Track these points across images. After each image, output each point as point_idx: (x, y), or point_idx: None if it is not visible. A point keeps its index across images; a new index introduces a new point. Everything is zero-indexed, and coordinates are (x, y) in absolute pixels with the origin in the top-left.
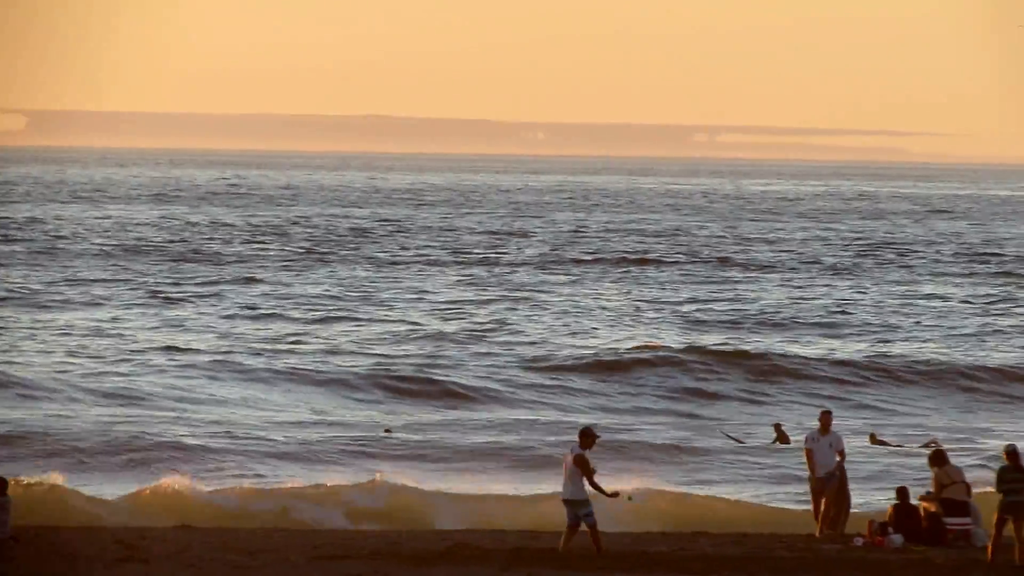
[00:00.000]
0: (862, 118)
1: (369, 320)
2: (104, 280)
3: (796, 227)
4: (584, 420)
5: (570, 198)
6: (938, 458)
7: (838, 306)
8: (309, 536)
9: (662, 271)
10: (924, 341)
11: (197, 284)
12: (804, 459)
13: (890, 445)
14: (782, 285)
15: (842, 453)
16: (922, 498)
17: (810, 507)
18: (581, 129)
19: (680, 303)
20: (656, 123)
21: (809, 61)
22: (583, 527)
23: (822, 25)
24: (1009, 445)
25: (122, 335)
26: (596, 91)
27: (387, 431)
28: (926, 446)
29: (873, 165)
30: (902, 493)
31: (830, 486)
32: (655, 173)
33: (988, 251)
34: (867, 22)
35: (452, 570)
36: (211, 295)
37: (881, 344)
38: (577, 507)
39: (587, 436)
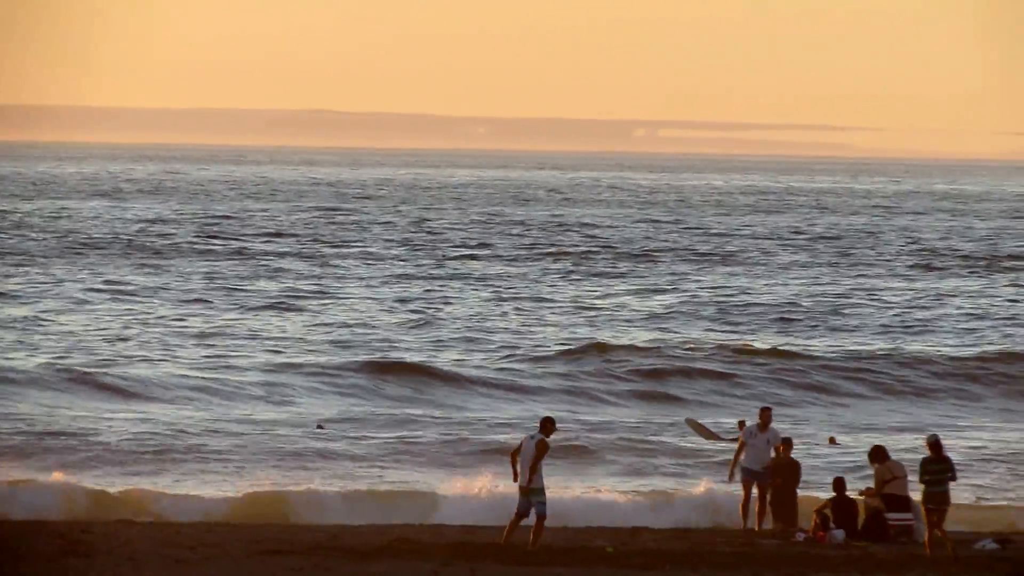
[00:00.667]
0: (803, 113)
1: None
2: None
3: (740, 222)
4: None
5: (517, 193)
6: (879, 454)
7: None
8: (250, 531)
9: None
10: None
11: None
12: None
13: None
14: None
15: (779, 448)
16: (863, 493)
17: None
18: (523, 124)
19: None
20: (597, 118)
21: (750, 55)
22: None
23: (763, 20)
24: (931, 435)
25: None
26: (538, 86)
27: (319, 427)
28: (832, 442)
29: (814, 159)
30: (839, 485)
31: (763, 482)
32: (593, 168)
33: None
34: (808, 17)
35: (393, 564)
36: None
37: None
38: (534, 495)
39: (549, 423)
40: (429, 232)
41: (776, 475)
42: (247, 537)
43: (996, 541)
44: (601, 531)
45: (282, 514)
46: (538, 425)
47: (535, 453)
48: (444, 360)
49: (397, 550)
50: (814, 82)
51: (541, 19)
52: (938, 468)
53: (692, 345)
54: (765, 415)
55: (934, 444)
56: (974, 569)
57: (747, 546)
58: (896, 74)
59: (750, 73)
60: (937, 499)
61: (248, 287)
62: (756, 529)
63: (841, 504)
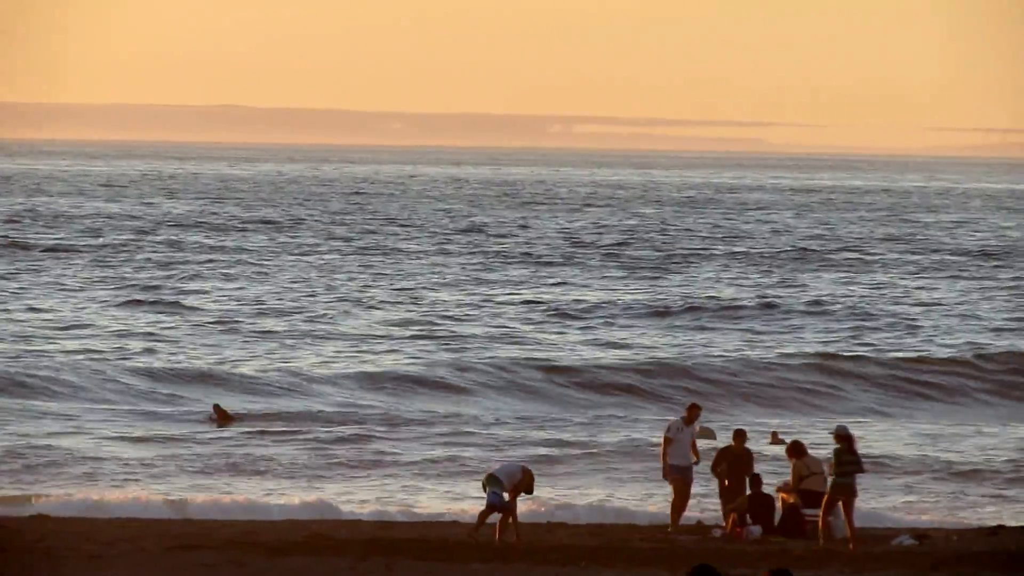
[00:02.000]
0: (722, 108)
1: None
2: None
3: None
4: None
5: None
6: (796, 449)
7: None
8: (165, 526)
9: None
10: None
11: None
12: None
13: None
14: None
15: (735, 439)
16: (780, 489)
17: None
18: (439, 119)
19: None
20: (513, 113)
21: (669, 51)
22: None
23: (684, 15)
24: (840, 427)
25: None
26: (454, 80)
27: (217, 417)
28: (775, 438)
29: (734, 155)
30: (755, 481)
31: (689, 477)
32: (513, 163)
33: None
34: (727, 12)
35: (309, 560)
36: None
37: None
38: (494, 484)
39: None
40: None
41: (725, 463)
42: (162, 532)
43: (914, 537)
44: (519, 526)
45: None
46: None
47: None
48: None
49: (313, 546)
50: (734, 77)
51: (457, 12)
52: (850, 460)
53: None
54: (693, 411)
55: (845, 436)
56: (892, 565)
57: (664, 542)
58: (820, 69)
59: (668, 68)
60: (845, 490)
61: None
62: (675, 525)
63: (758, 500)
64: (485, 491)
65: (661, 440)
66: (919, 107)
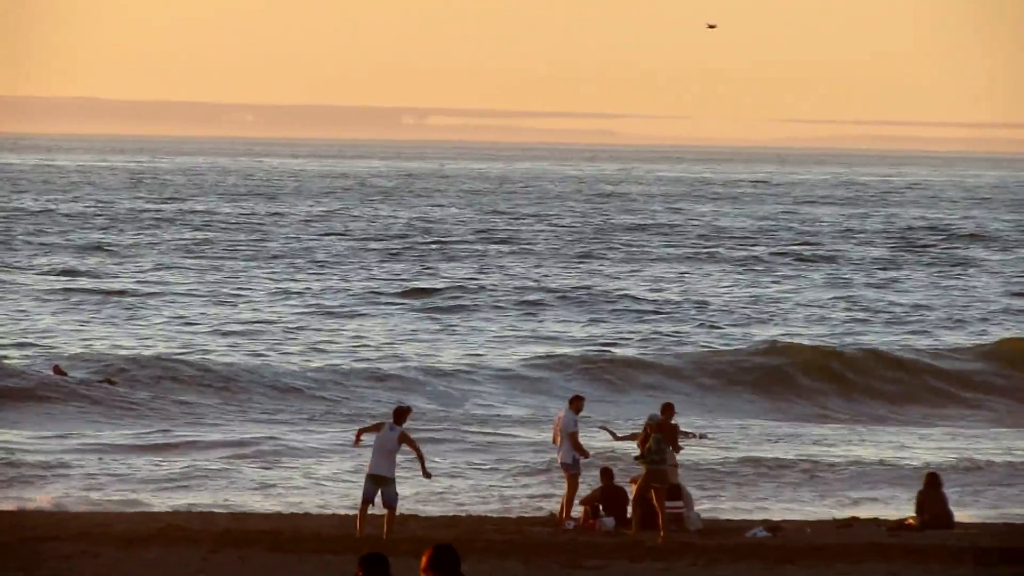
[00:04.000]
0: (574, 100)
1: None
2: None
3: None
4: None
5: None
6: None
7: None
8: (16, 516)
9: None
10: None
11: None
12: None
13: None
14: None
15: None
16: (633, 480)
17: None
18: (291, 111)
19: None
20: (365, 105)
21: (519, 43)
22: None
23: (537, 5)
24: (653, 415)
25: None
26: (307, 72)
27: (110, 381)
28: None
29: (588, 147)
30: (607, 475)
31: (577, 472)
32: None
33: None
34: (578, 2)
35: (163, 551)
36: None
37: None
38: (387, 484)
39: (403, 413)
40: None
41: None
42: (14, 523)
43: (767, 529)
44: (372, 518)
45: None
46: (392, 415)
47: (398, 446)
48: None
49: (168, 537)
50: (587, 69)
51: (310, 3)
52: (663, 448)
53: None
54: (577, 402)
55: (658, 425)
56: (745, 557)
57: (516, 534)
58: (674, 60)
59: (522, 60)
60: (660, 477)
61: None
62: (563, 518)
63: (611, 492)
64: (372, 491)
65: (570, 435)
66: (771, 98)
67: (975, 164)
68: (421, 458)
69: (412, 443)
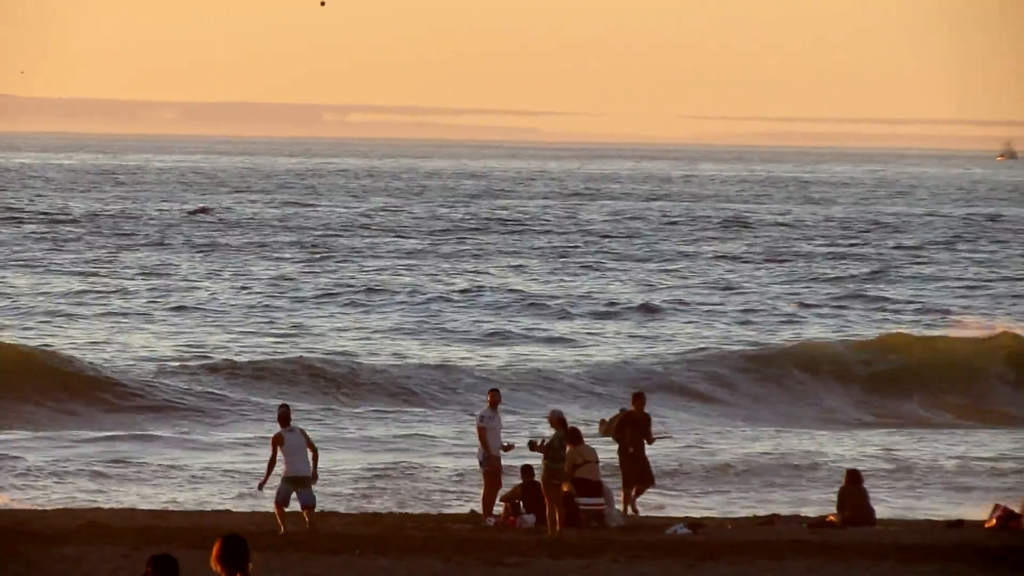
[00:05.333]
0: (494, 97)
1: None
2: None
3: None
4: None
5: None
6: (572, 437)
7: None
8: None
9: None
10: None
11: None
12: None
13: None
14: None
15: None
16: None
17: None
18: (212, 108)
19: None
20: (285, 102)
21: (439, 39)
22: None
23: (453, 4)
24: (555, 412)
25: None
26: (225, 70)
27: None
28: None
29: (508, 144)
30: (527, 472)
31: (498, 467)
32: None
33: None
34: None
35: (83, 548)
36: None
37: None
38: (305, 485)
39: (286, 413)
40: None
41: (628, 429)
42: None
43: (687, 526)
44: (291, 515)
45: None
46: (279, 419)
47: (307, 441)
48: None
49: (88, 534)
50: (512, 67)
51: (231, 1)
52: (564, 445)
53: None
54: (494, 395)
55: (560, 420)
56: (666, 554)
57: (437, 531)
58: (587, 57)
59: (444, 57)
60: (558, 475)
61: None
62: (484, 515)
63: (531, 489)
64: (288, 493)
65: (477, 429)
66: (696, 95)
67: (891, 160)
68: (315, 458)
69: (311, 443)
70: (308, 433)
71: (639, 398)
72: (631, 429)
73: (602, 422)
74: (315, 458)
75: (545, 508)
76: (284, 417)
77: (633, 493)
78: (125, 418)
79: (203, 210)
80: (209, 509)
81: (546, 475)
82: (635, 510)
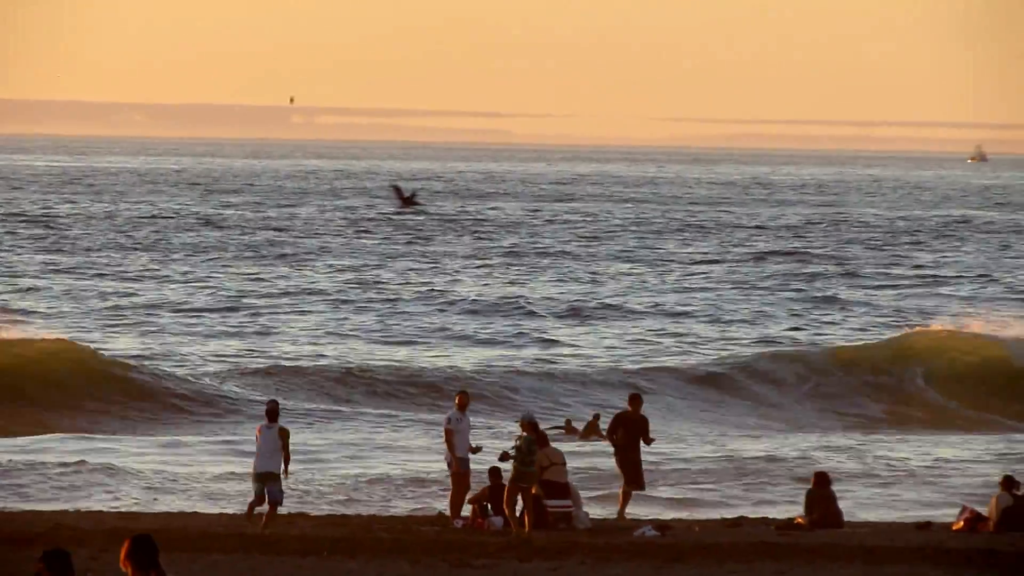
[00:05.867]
0: (465, 100)
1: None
2: None
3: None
4: None
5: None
6: (538, 440)
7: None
8: None
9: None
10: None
11: None
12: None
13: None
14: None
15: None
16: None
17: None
18: (182, 110)
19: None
20: (254, 104)
21: (407, 41)
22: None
23: (426, 4)
24: (526, 415)
25: None
26: (198, 71)
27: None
28: (568, 425)
29: (479, 146)
30: (495, 474)
31: (467, 469)
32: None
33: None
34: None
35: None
36: None
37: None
38: (273, 480)
39: (275, 409)
40: None
41: (621, 428)
42: None
43: (655, 528)
44: (258, 516)
45: None
46: (266, 414)
47: (280, 441)
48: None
49: (55, 537)
50: (480, 67)
51: (201, 3)
52: (535, 448)
53: None
54: (463, 398)
55: (531, 424)
56: (635, 556)
57: (405, 533)
58: (558, 59)
59: (413, 58)
60: (528, 478)
61: None
62: (452, 517)
63: (498, 492)
64: (262, 485)
65: (444, 431)
66: (664, 98)
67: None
68: (287, 459)
69: (286, 444)
70: (290, 435)
71: (635, 399)
72: (623, 428)
73: (568, 423)
74: (286, 459)
75: (508, 510)
76: (270, 413)
77: (620, 494)
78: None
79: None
80: (176, 511)
81: (514, 476)
82: (620, 512)
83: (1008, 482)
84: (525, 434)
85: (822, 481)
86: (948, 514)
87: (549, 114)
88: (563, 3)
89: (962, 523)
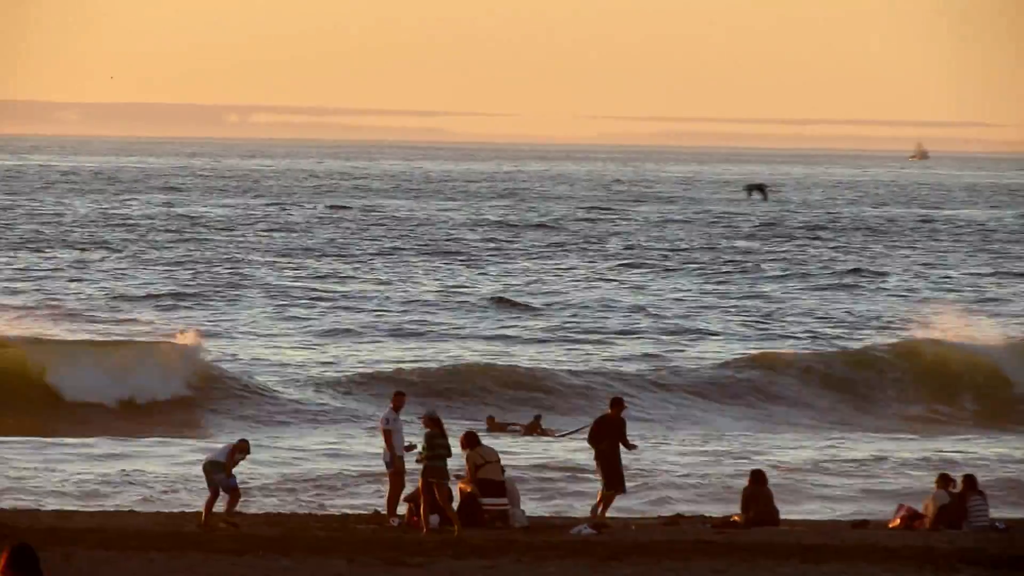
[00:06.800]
0: (399, 98)
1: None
2: None
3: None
4: None
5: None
6: (469, 440)
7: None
8: None
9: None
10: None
11: None
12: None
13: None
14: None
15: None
16: (458, 477)
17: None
18: (115, 108)
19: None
20: (188, 102)
21: (341, 40)
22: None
23: (354, 3)
24: (429, 411)
25: None
26: (129, 69)
27: None
28: (490, 421)
29: (412, 144)
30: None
31: (403, 468)
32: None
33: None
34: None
35: None
36: None
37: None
38: (217, 470)
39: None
40: None
41: (605, 434)
42: None
43: (592, 526)
44: (196, 515)
45: None
46: None
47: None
48: None
49: None
50: (414, 66)
51: (127, 3)
52: (441, 443)
53: None
54: (399, 398)
55: (434, 419)
56: (571, 554)
57: (341, 531)
58: (497, 56)
59: (345, 56)
60: (438, 473)
61: None
62: (392, 515)
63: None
64: (210, 479)
65: (382, 432)
66: (597, 96)
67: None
68: (229, 460)
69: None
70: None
71: (617, 403)
72: (605, 431)
73: (490, 419)
74: (229, 459)
75: (434, 506)
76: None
77: (599, 498)
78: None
79: None
80: (112, 509)
81: (424, 473)
82: (599, 513)
83: (944, 480)
84: (428, 430)
85: (758, 479)
86: (886, 512)
87: (482, 112)
88: (497, 1)
89: (898, 521)
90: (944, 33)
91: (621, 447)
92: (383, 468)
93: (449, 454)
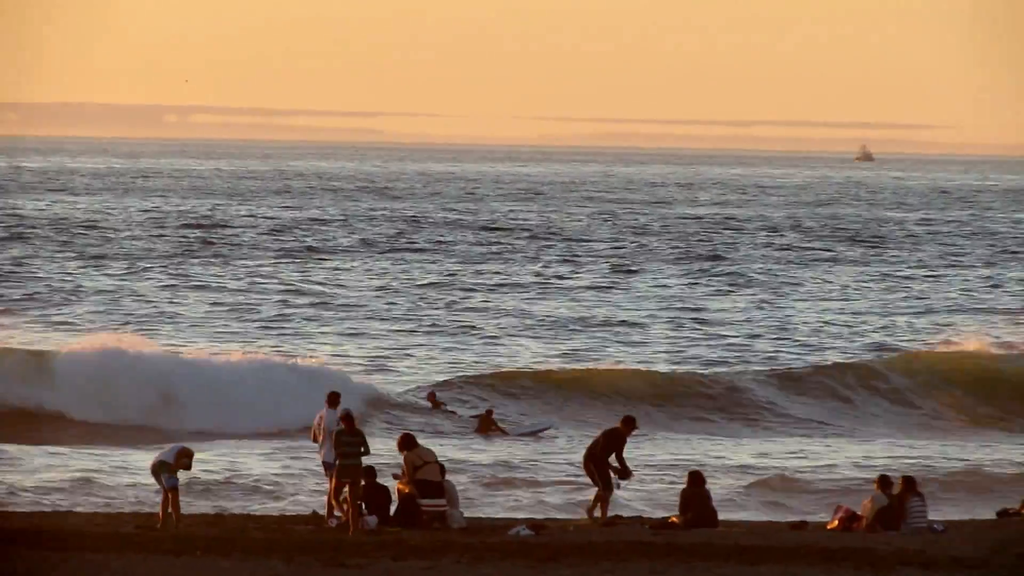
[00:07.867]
0: (337, 99)
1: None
2: None
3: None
4: None
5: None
6: (406, 442)
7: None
8: None
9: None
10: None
11: None
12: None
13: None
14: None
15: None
16: (396, 477)
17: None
18: (54, 108)
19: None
20: (127, 103)
21: (282, 39)
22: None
23: (298, 5)
24: (344, 409)
25: None
26: (70, 69)
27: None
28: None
29: (350, 145)
30: (370, 473)
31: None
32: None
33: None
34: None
35: None
36: None
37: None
38: (165, 469)
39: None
40: None
41: (613, 448)
42: None
43: (530, 527)
44: (135, 516)
45: None
46: None
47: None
48: None
49: None
50: (349, 66)
51: (69, 3)
52: (351, 441)
53: None
54: (333, 398)
55: (346, 417)
56: (510, 555)
57: (279, 532)
58: (432, 56)
59: (284, 57)
60: (351, 471)
61: None
62: (327, 516)
63: (373, 490)
64: (158, 479)
65: (321, 435)
66: (537, 97)
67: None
68: (179, 459)
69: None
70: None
71: (629, 422)
72: (613, 445)
73: (431, 395)
74: (177, 460)
75: (388, 510)
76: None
77: (594, 498)
78: None
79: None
80: (50, 509)
81: (339, 473)
82: (589, 513)
83: (883, 482)
84: (341, 427)
85: (697, 480)
86: (823, 514)
87: (420, 113)
88: (438, 1)
89: (836, 522)
90: (895, 34)
91: (613, 460)
92: (322, 469)
93: (364, 452)
